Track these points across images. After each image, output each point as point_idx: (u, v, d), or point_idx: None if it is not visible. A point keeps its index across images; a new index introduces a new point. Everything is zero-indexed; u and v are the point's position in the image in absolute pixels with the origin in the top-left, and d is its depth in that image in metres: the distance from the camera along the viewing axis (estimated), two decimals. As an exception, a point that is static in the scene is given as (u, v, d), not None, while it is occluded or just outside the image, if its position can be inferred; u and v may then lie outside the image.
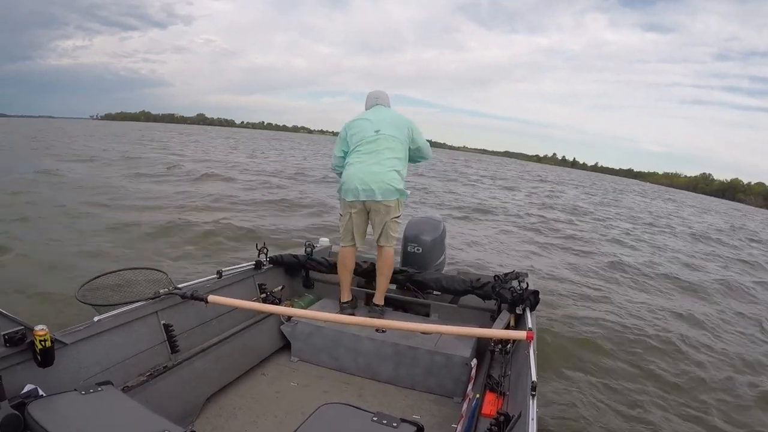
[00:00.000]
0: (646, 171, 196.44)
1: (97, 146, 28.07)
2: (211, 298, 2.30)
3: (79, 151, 23.62)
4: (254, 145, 47.59)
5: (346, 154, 3.05)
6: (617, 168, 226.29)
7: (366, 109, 3.20)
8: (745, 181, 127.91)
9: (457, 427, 1.96)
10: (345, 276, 3.12)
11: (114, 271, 2.41)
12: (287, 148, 49.64)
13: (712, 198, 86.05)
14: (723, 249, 14.17)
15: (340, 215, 3.10)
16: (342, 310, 3.07)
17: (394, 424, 1.36)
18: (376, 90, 3.23)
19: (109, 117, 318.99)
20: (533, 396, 1.55)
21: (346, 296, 3.14)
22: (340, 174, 3.09)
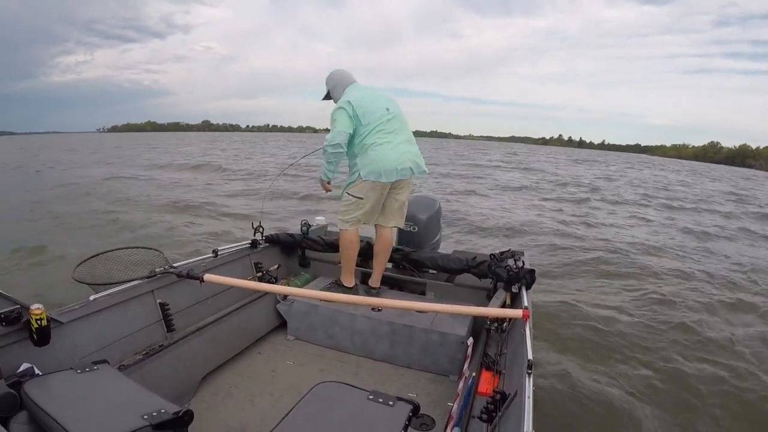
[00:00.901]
0: (653, 145, 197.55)
1: (150, 156, 29.27)
2: (207, 276, 2.30)
3: (140, 161, 25.16)
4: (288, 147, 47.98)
5: (354, 132, 2.82)
6: (624, 144, 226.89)
7: (339, 86, 2.95)
8: (754, 146, 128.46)
9: (453, 406, 1.98)
10: (353, 259, 3.05)
11: (110, 251, 2.40)
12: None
13: (722, 166, 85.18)
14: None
15: (356, 198, 2.87)
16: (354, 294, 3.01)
17: (390, 403, 1.37)
18: (338, 69, 3.03)
19: (115, 129, 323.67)
20: (529, 374, 1.56)
21: (352, 281, 3.08)
22: (333, 155, 2.81)
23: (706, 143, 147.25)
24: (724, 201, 18.13)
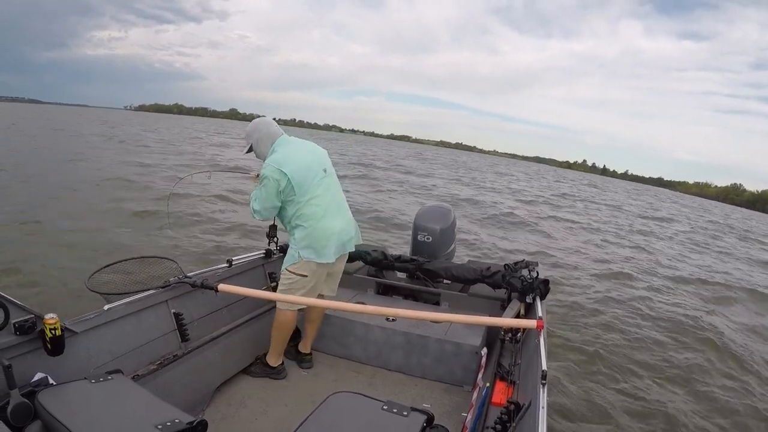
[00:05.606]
0: (676, 180, 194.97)
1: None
2: (221, 286, 2.30)
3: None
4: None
5: (286, 201, 2.42)
6: (647, 176, 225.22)
7: (266, 139, 2.52)
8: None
9: (467, 416, 1.95)
10: (286, 340, 2.63)
11: (124, 260, 2.43)
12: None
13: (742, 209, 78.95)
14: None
15: (299, 276, 2.45)
16: (277, 374, 2.62)
17: (405, 413, 1.36)
18: (262, 119, 2.64)
19: (142, 108, 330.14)
20: (543, 385, 1.54)
21: (279, 360, 2.64)
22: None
23: (729, 184, 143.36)
24: None
